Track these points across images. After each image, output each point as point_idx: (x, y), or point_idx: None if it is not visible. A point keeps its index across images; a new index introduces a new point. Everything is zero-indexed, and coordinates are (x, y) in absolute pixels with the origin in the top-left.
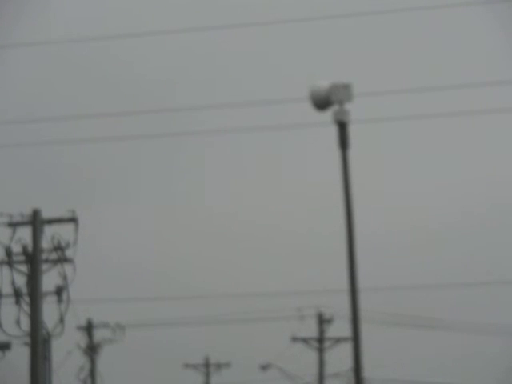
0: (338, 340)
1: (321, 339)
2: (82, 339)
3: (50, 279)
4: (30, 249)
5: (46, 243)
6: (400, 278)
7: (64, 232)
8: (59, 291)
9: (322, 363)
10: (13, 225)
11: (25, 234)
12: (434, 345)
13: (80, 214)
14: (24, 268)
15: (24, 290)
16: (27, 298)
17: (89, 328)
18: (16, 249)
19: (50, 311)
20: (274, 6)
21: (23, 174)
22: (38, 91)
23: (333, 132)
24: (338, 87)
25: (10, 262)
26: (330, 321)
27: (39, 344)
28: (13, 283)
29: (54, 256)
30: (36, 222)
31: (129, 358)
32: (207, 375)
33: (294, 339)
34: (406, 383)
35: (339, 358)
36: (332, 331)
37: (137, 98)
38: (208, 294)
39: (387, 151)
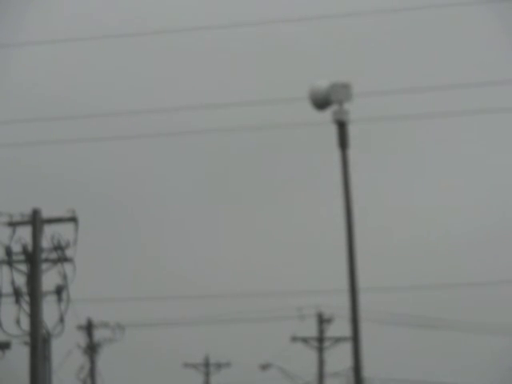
0: (337, 340)
1: (321, 339)
2: (82, 339)
3: (49, 279)
4: (30, 248)
5: (45, 243)
6: (400, 278)
7: (64, 232)
8: (59, 291)
9: (321, 363)
10: (13, 224)
11: (25, 233)
12: (435, 344)
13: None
14: (24, 268)
15: (24, 289)
16: (27, 298)
17: (89, 328)
18: (16, 248)
19: (49, 311)
20: (274, 5)
21: (23, 174)
22: (38, 91)
23: (332, 132)
24: (338, 87)
25: (9, 261)
26: (329, 321)
27: (39, 344)
28: (13, 283)
29: (53, 255)
30: (36, 221)
31: (129, 358)
32: (207, 375)
33: (294, 339)
34: (406, 383)
35: (339, 358)
36: (332, 331)
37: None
38: (208, 294)
39: (387, 151)
